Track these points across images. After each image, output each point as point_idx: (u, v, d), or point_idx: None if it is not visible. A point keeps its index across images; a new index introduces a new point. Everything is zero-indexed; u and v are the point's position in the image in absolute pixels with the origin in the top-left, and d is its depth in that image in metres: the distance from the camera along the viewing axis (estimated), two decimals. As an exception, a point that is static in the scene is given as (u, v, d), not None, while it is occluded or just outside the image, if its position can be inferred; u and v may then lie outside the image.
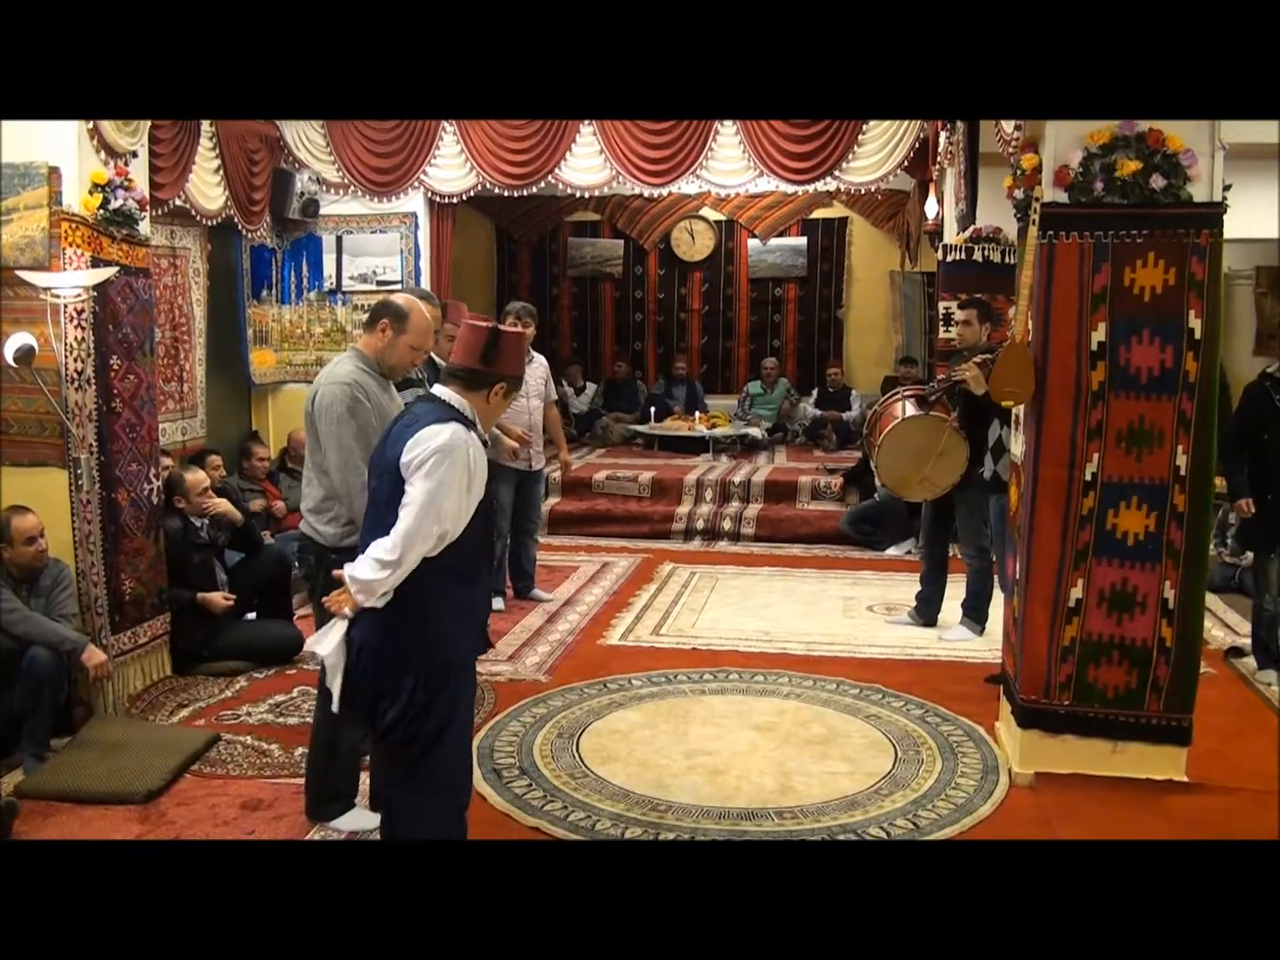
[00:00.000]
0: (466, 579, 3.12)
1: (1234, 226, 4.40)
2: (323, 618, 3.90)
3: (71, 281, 4.80)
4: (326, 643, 3.09)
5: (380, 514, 3.04)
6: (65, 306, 4.84)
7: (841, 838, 3.93)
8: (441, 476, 2.92)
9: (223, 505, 5.82)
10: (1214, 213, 4.12)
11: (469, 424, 3.04)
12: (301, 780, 4.37)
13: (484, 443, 3.10)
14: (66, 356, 4.89)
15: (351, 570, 3.01)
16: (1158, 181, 4.09)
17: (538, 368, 6.95)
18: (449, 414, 3.03)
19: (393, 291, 8.11)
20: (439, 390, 3.13)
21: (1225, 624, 6.62)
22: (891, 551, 8.42)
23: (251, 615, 6.06)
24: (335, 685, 3.12)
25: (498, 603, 6.74)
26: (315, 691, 5.25)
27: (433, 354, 5.90)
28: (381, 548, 2.95)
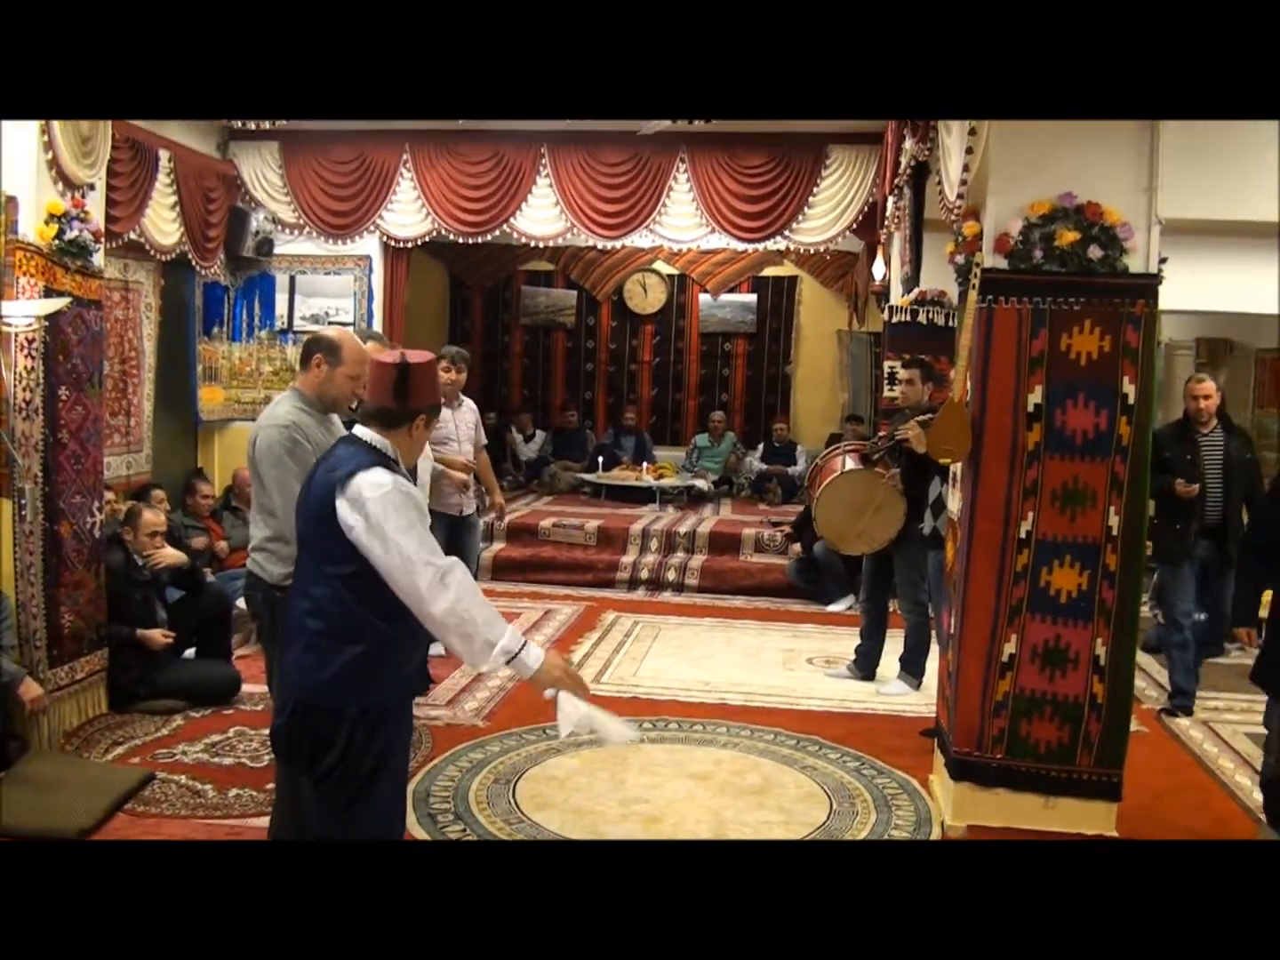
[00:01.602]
0: (403, 617, 2.98)
1: (1174, 299, 4.56)
2: (273, 656, 3.89)
3: (23, 310, 4.80)
4: (570, 721, 2.87)
5: (315, 562, 2.95)
6: (16, 335, 4.83)
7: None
8: (388, 521, 2.82)
9: (170, 557, 5.77)
10: (1149, 284, 4.26)
11: (391, 464, 2.95)
12: (234, 822, 4.36)
13: (409, 478, 3.02)
14: (15, 385, 4.87)
15: (495, 650, 2.82)
16: (1095, 252, 4.22)
17: (467, 413, 6.85)
18: (371, 457, 2.93)
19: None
20: (360, 431, 3.02)
21: (1159, 684, 6.73)
22: (835, 607, 8.49)
23: (190, 653, 6.01)
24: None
25: (438, 647, 6.70)
26: (251, 732, 5.26)
27: None
28: (434, 600, 2.81)
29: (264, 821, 4.30)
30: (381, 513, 2.82)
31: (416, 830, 4.26)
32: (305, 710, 2.93)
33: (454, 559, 2.87)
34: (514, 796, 4.69)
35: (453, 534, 6.52)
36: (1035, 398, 4.28)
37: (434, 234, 8.43)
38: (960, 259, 4.54)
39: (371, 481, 2.85)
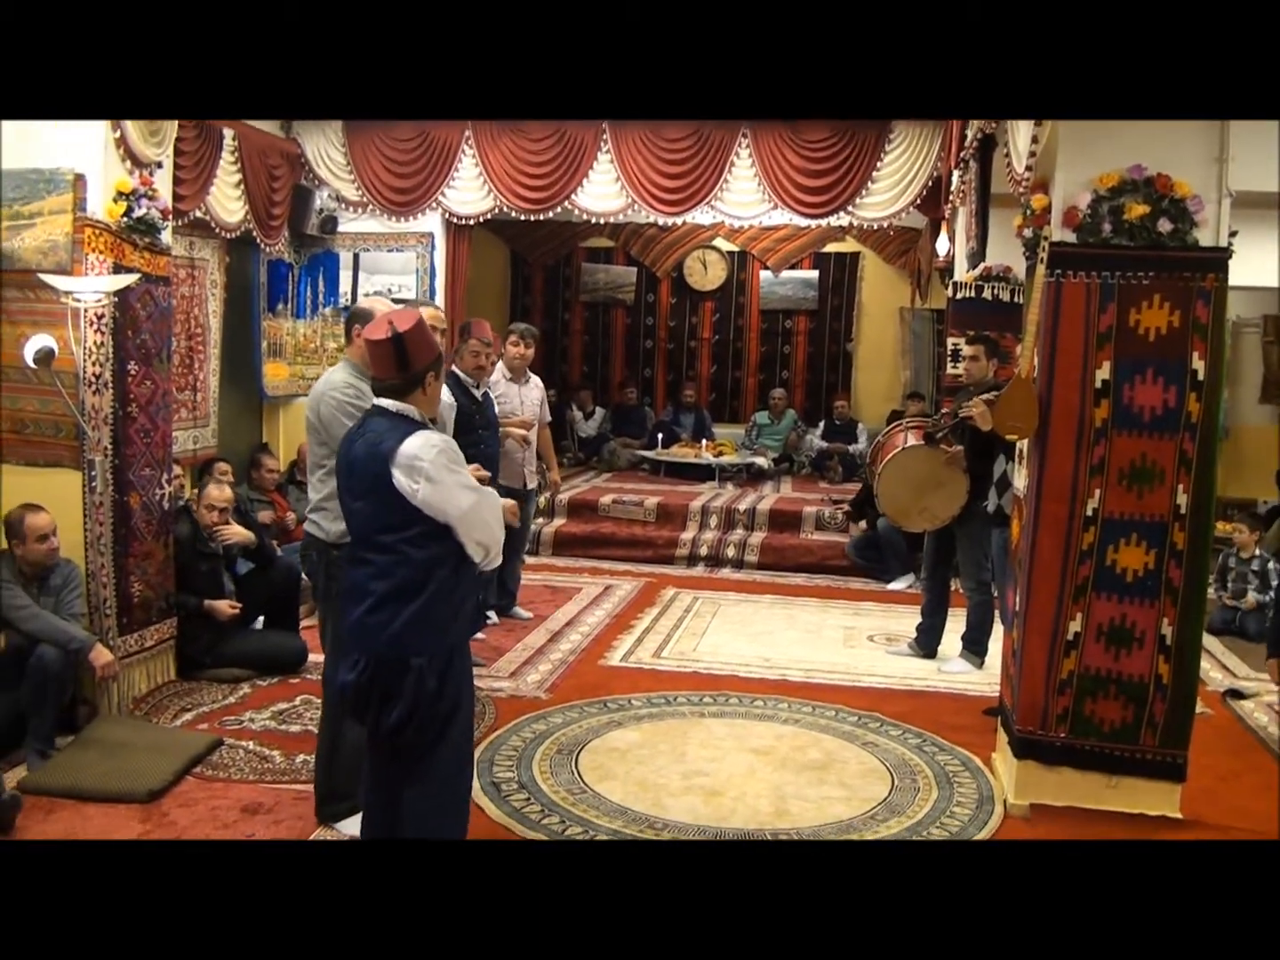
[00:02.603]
0: (462, 562, 3.16)
1: (1242, 274, 4.46)
2: (328, 613, 3.98)
3: (93, 286, 4.88)
4: None
5: (374, 532, 3.12)
6: (86, 311, 4.92)
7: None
8: (447, 475, 3.05)
9: (238, 536, 5.83)
10: (1219, 258, 4.18)
11: (422, 426, 3.15)
12: (302, 787, 4.42)
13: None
14: (85, 360, 4.97)
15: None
16: (1164, 225, 4.14)
17: (533, 390, 6.97)
18: (407, 426, 3.11)
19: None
20: (384, 402, 3.17)
21: (1224, 666, 6.64)
22: (895, 585, 8.44)
23: (259, 623, 6.11)
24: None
25: (490, 615, 6.79)
26: (318, 701, 5.33)
27: (458, 370, 6.02)
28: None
29: (329, 789, 4.39)
30: (439, 472, 3.04)
31: (480, 798, 4.30)
32: (376, 664, 3.10)
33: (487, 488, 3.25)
34: (576, 767, 4.72)
35: None
36: (1103, 373, 4.21)
37: (496, 211, 8.45)
38: (1028, 233, 4.48)
39: (420, 445, 3.05)
